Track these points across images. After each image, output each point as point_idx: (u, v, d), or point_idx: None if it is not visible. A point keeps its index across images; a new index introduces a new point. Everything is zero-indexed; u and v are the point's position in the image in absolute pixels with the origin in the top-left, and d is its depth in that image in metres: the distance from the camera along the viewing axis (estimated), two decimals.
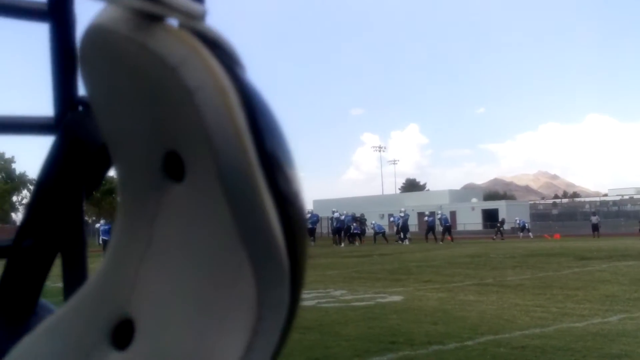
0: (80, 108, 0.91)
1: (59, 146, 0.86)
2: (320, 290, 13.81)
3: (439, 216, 45.93)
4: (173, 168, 0.51)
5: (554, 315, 9.73)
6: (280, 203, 0.47)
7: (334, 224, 41.93)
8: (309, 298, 12.58)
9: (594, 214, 52.36)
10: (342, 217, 42.35)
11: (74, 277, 0.89)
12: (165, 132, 0.50)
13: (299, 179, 0.50)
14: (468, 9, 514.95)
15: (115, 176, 0.56)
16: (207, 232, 0.49)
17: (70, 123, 0.87)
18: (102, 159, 0.78)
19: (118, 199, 0.55)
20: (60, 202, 0.86)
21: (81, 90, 0.91)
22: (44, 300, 0.86)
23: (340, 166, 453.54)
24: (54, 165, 0.85)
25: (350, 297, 12.73)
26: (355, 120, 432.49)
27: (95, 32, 0.52)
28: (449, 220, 46.83)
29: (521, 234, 50.83)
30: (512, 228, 55.24)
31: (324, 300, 12.30)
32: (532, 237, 48.84)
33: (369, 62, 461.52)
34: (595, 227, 47.23)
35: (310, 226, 42.19)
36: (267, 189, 0.46)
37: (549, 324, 9.03)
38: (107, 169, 0.79)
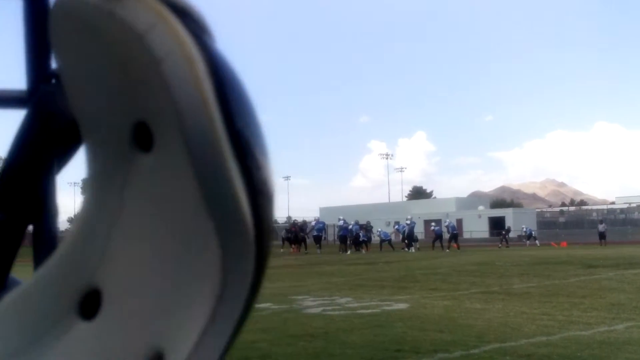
0: (53, 81, 0.90)
1: (31, 119, 0.85)
2: (326, 298, 13.79)
3: (447, 224, 45.78)
4: (142, 138, 0.51)
5: (560, 324, 9.68)
6: (247, 174, 0.47)
7: (340, 231, 41.80)
8: (314, 305, 12.57)
9: (600, 222, 52.18)
10: (350, 226, 42.26)
11: (45, 250, 0.88)
12: (133, 101, 0.50)
13: (267, 150, 0.49)
14: (476, 16, 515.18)
15: (85, 148, 0.55)
16: (174, 202, 0.49)
17: (42, 96, 0.87)
18: (74, 132, 0.79)
19: (86, 169, 0.55)
20: (32, 176, 0.85)
21: (55, 63, 0.91)
22: (12, 276, 0.85)
23: (346, 173, 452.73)
24: (25, 138, 0.85)
25: (355, 304, 12.70)
26: (362, 127, 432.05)
27: (65, 1, 0.52)
28: (456, 228, 46.71)
29: (528, 241, 50.70)
30: (519, 236, 55.14)
31: (330, 307, 12.27)
32: (538, 244, 48.71)
33: (377, 69, 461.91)
34: (602, 235, 47.10)
35: (316, 233, 42.20)
36: (234, 160, 0.46)
37: (555, 332, 8.99)
38: (79, 143, 0.78)
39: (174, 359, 0.48)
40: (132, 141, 0.51)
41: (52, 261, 0.57)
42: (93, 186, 0.55)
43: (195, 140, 0.46)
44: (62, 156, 0.86)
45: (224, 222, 0.47)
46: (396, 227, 47.34)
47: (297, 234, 42.54)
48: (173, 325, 0.49)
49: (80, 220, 0.55)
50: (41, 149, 0.84)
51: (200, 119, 0.46)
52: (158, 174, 0.50)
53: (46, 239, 0.90)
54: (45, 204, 0.89)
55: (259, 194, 0.47)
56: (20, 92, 0.96)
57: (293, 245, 42.28)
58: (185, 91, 0.46)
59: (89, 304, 0.55)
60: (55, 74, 0.90)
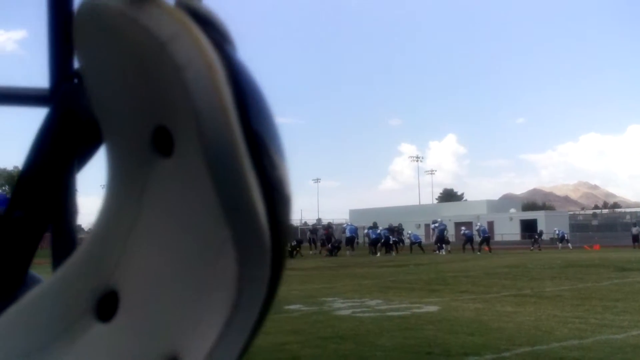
0: (76, 81, 0.90)
1: (53, 117, 0.86)
2: (356, 300, 13.78)
3: (478, 227, 45.51)
4: (162, 143, 0.51)
5: (592, 327, 9.58)
6: (263, 173, 0.47)
7: (371, 236, 41.87)
8: (344, 307, 12.57)
9: (634, 224, 51.48)
10: (379, 231, 42.45)
11: (63, 249, 0.89)
12: (154, 106, 0.51)
13: (284, 156, 0.49)
14: (507, 18, 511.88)
15: (106, 152, 0.56)
16: (193, 208, 0.50)
17: (64, 95, 0.88)
18: (95, 132, 0.80)
19: (106, 172, 0.55)
20: (52, 174, 0.86)
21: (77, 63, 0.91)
22: (33, 272, 0.85)
23: (377, 176, 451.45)
24: (46, 136, 0.85)
25: (385, 307, 12.67)
26: (393, 130, 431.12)
27: (90, 6, 0.53)
28: (487, 231, 46.38)
29: (560, 244, 50.14)
30: (551, 239, 54.52)
31: (359, 310, 12.26)
32: (571, 247, 48.17)
33: (408, 71, 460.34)
34: (635, 238, 46.47)
35: (348, 234, 42.24)
36: (251, 167, 0.46)
37: (588, 335, 8.89)
38: (100, 142, 0.80)
39: None
40: (152, 145, 0.52)
41: (71, 262, 0.58)
42: (113, 189, 0.55)
43: (213, 145, 0.46)
44: (83, 155, 0.86)
45: (241, 230, 0.47)
46: (433, 225, 47.07)
47: (330, 236, 42.54)
48: (189, 330, 0.49)
49: (100, 223, 0.56)
50: (62, 148, 0.84)
51: (218, 125, 0.46)
52: (177, 179, 0.51)
53: (65, 238, 0.91)
54: (64, 203, 0.89)
55: (275, 192, 0.48)
56: (43, 90, 0.97)
57: (324, 247, 42.35)
58: (205, 98, 0.46)
59: (106, 306, 0.55)
60: (77, 74, 0.90)
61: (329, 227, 46.43)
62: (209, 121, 0.46)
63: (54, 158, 0.85)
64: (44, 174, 0.85)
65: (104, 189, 0.56)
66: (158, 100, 0.50)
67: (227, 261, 0.48)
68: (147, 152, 0.52)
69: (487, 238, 43.51)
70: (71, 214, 0.91)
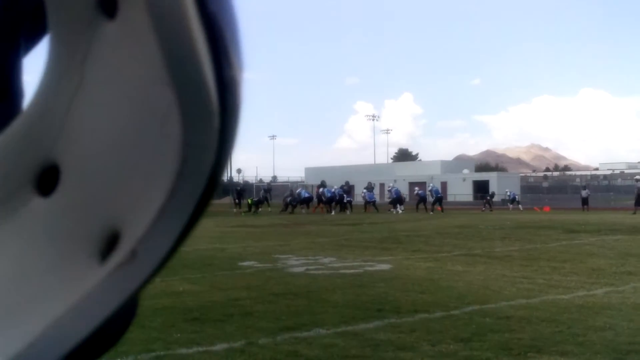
0: None
1: None
2: (310, 257, 13.87)
3: (430, 188, 45.99)
4: (106, 3, 0.47)
5: (540, 287, 9.79)
6: (211, 36, 0.43)
7: (326, 194, 42.18)
8: (297, 265, 12.65)
9: (584, 187, 52.47)
10: (334, 190, 43.09)
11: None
12: None
13: (241, 51, 0.45)
14: None
15: (49, 15, 0.51)
16: (138, 73, 0.47)
17: None
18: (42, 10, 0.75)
19: (49, 38, 0.52)
20: None
21: None
22: None
23: (333, 134, 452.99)
24: None
25: (339, 264, 12.78)
26: (349, 88, 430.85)
27: None
28: (440, 192, 46.89)
29: (511, 205, 50.90)
30: (502, 200, 55.26)
31: (313, 267, 12.36)
32: (521, 209, 48.91)
33: (365, 30, 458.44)
34: (585, 201, 47.37)
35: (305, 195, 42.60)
36: (197, 20, 0.42)
37: (535, 295, 9.10)
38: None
39: (130, 238, 0.47)
40: (96, 6, 0.48)
41: (9, 133, 0.55)
42: (54, 56, 0.51)
43: (157, 3, 0.42)
44: (30, 36, 0.80)
45: (185, 89, 0.44)
46: (389, 188, 47.41)
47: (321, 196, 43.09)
48: (130, 203, 0.47)
49: (40, 92, 0.52)
50: (5, 26, 0.78)
51: None
52: (121, 42, 0.47)
53: (10, 120, 0.86)
54: (10, 85, 0.84)
55: (223, 50, 0.43)
56: None
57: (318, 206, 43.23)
58: None
59: (47, 180, 0.52)
60: None
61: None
62: None
63: None
64: None
65: (45, 58, 0.52)
66: None
67: (171, 127, 0.45)
68: (91, 12, 0.48)
69: (439, 198, 43.97)
70: (17, 96, 0.85)
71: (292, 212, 40.70)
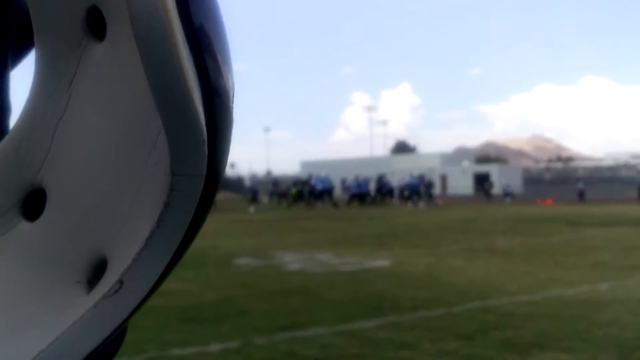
0: None
1: None
2: (306, 254, 13.74)
3: (405, 181, 45.98)
4: (95, 25, 0.48)
5: (542, 282, 9.66)
6: (199, 63, 0.43)
7: (317, 187, 42.52)
8: (293, 261, 12.52)
9: (578, 179, 52.70)
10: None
11: None
12: None
13: (229, 55, 0.46)
14: None
15: (36, 35, 0.52)
16: (125, 96, 0.47)
17: None
18: (26, 22, 0.67)
19: (36, 58, 0.52)
20: None
21: None
22: None
23: (329, 127, 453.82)
24: None
25: (336, 261, 12.64)
26: (346, 78, 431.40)
27: None
28: (419, 186, 46.26)
29: (509, 198, 50.84)
30: (505, 193, 55.31)
31: (309, 264, 12.23)
32: (509, 202, 48.57)
33: (362, 18, 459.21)
34: (581, 194, 47.49)
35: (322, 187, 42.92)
36: (184, 44, 0.42)
37: (538, 290, 8.96)
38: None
39: (116, 268, 0.46)
40: (85, 28, 0.49)
41: None
42: (41, 77, 0.52)
43: (144, 26, 0.41)
44: (18, 49, 0.79)
45: (173, 117, 0.43)
46: (347, 184, 47.76)
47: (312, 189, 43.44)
48: (117, 231, 0.47)
49: (27, 114, 0.53)
50: None
51: (150, 4, 0.41)
52: (110, 64, 0.48)
53: None
54: None
55: (212, 88, 0.43)
56: None
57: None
58: None
59: (33, 204, 0.53)
60: None
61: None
62: None
63: None
64: None
65: (32, 79, 0.52)
66: None
67: (159, 154, 0.45)
68: (79, 34, 0.49)
69: (416, 192, 43.62)
70: (4, 112, 0.81)
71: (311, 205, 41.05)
